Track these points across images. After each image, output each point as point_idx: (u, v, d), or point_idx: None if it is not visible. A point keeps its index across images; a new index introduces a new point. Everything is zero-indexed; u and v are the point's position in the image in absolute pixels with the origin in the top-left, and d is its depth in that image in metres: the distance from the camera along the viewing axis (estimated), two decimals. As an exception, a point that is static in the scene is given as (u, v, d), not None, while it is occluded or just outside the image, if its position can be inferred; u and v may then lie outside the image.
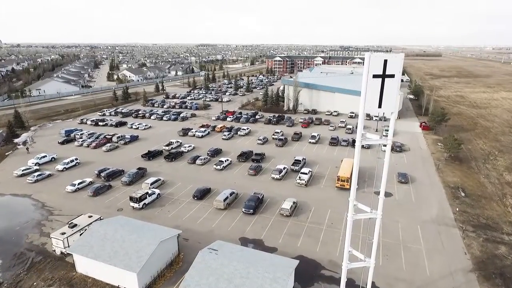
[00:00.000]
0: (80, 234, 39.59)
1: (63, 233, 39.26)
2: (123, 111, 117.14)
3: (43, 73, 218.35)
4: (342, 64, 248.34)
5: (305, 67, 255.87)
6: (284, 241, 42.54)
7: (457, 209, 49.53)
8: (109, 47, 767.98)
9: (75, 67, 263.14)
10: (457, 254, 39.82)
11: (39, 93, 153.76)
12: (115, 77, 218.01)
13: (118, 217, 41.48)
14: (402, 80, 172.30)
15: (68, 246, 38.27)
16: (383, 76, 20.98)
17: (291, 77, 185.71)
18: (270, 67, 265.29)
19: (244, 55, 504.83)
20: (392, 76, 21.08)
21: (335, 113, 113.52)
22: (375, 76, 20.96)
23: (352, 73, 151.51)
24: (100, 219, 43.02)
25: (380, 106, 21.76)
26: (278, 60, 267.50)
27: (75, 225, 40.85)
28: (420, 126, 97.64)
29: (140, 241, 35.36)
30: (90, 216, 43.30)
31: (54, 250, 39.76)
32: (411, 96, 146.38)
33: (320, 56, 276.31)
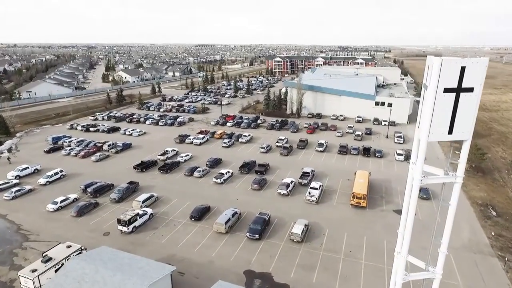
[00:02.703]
0: (55, 271, 33.25)
1: (34, 270, 32.82)
2: (116, 115, 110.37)
3: (36, 74, 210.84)
4: (343, 64, 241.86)
5: (305, 68, 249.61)
6: (296, 275, 36.29)
7: (492, 233, 43.42)
8: (106, 47, 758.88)
9: (69, 68, 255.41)
10: (503, 292, 33.74)
11: (29, 95, 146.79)
12: (111, 78, 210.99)
13: (101, 249, 35.06)
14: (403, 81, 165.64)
15: (40, 286, 31.97)
16: (458, 90, 14.82)
17: (292, 78, 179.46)
18: (270, 67, 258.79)
19: (243, 55, 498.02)
20: (471, 90, 14.94)
21: (341, 117, 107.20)
22: (446, 90, 14.79)
23: (357, 74, 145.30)
24: (81, 250, 36.70)
25: (451, 131, 15.62)
26: (278, 61, 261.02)
27: (50, 258, 34.45)
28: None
29: (125, 285, 29.02)
30: (69, 246, 36.86)
31: (24, 290, 33.37)
32: (418, 99, 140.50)
33: (321, 57, 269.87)
